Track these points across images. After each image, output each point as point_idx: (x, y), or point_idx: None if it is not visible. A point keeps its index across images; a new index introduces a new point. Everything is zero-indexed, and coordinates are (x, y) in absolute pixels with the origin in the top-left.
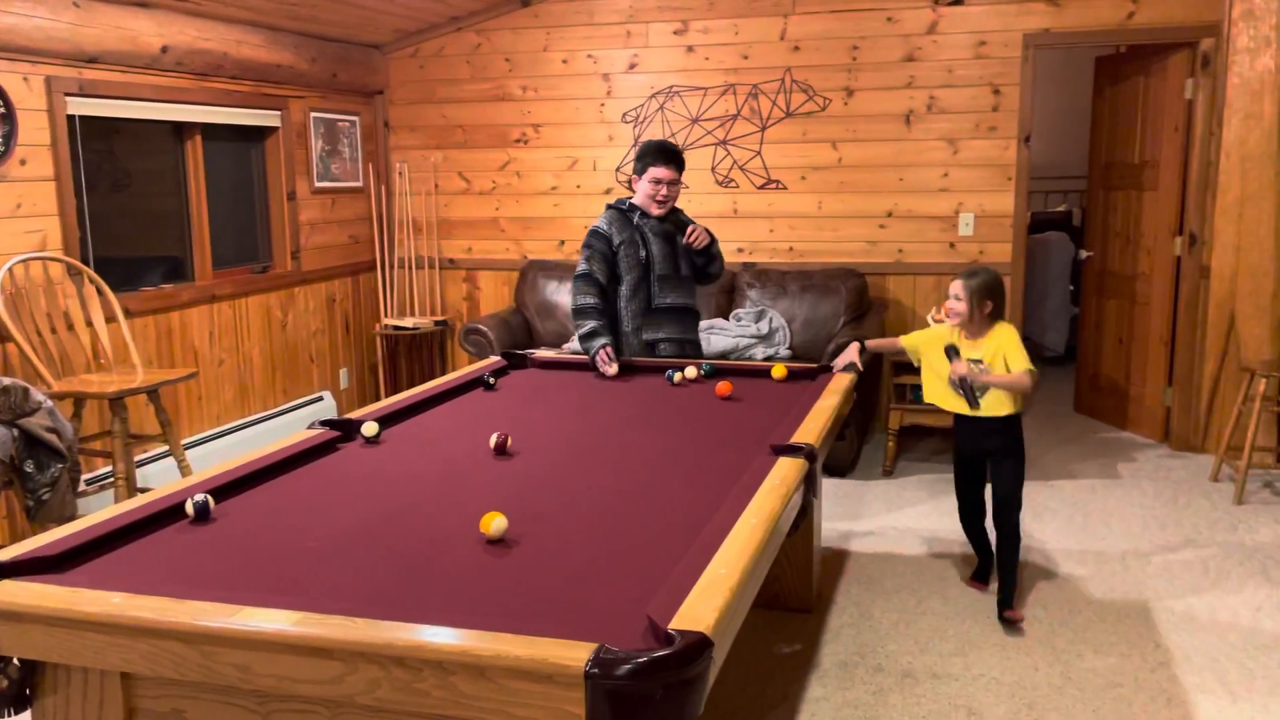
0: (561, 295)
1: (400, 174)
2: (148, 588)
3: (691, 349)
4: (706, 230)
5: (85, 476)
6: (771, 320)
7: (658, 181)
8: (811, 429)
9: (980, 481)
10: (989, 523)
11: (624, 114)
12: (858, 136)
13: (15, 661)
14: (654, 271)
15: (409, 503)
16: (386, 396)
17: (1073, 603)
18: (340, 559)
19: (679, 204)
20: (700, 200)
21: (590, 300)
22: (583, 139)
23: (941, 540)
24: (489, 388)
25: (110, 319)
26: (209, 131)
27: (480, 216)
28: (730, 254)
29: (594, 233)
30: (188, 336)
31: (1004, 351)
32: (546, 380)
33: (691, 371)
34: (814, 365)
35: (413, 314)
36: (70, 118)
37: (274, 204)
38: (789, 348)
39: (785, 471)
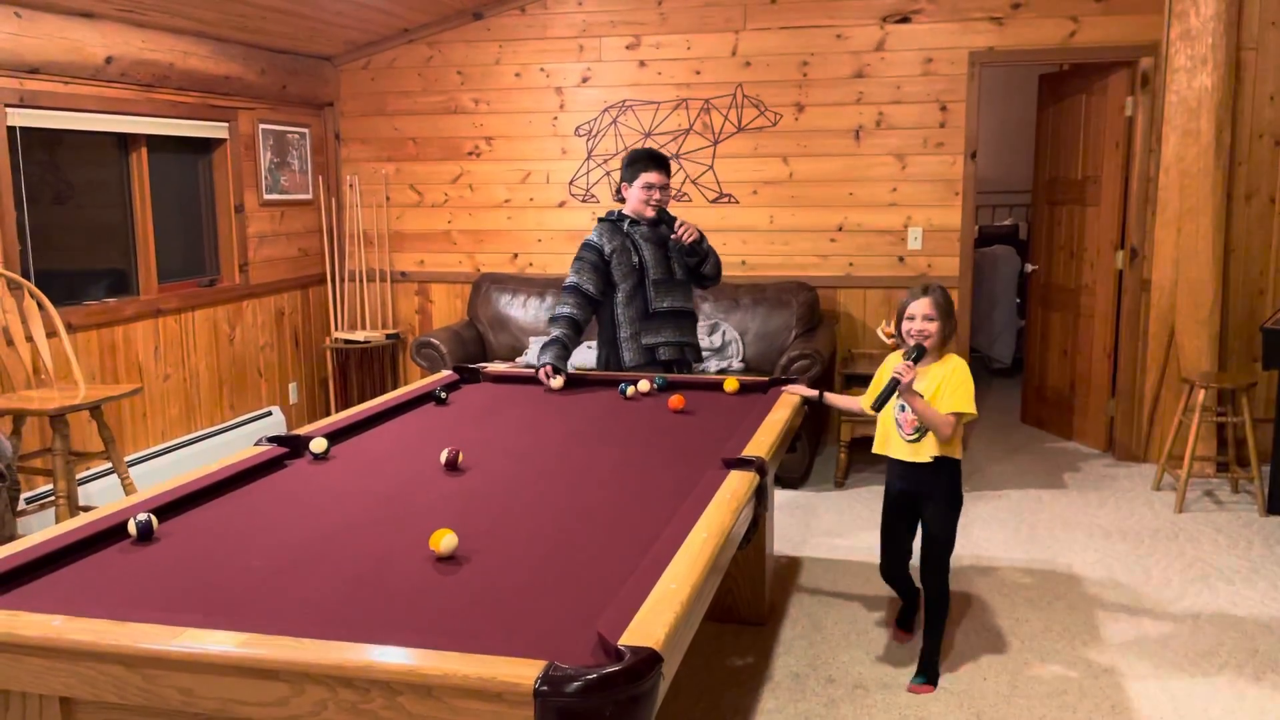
0: (514, 309)
1: (351, 186)
2: (89, 610)
3: (691, 352)
4: (697, 229)
5: (25, 495)
6: (724, 333)
7: (650, 186)
8: (762, 442)
9: (909, 526)
10: (915, 568)
11: (577, 127)
12: (808, 151)
13: None
14: (649, 276)
15: (357, 520)
16: (337, 411)
17: (1018, 612)
18: (286, 578)
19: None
20: None
21: (563, 310)
22: (536, 152)
23: None
24: (440, 402)
25: (51, 334)
26: (155, 143)
27: (433, 229)
28: None
29: (585, 245)
30: (131, 351)
31: (947, 386)
32: (499, 395)
33: (644, 385)
34: (765, 379)
35: (364, 327)
36: (11, 129)
37: (221, 216)
38: (742, 360)
39: (736, 485)
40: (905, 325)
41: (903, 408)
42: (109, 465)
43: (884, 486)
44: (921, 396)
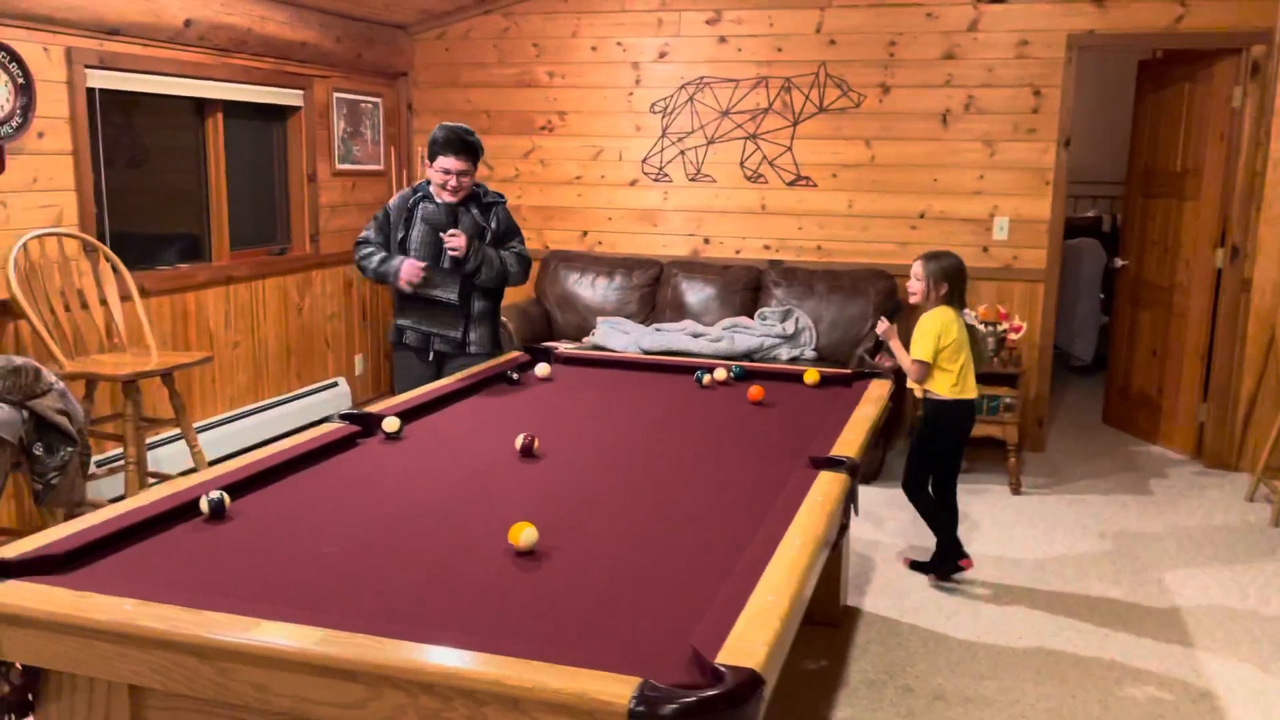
0: (582, 288)
1: (422, 159)
2: (160, 593)
3: (444, 343)
4: (464, 243)
5: (95, 459)
6: (798, 320)
7: (446, 171)
8: (851, 440)
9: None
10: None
11: (652, 104)
12: (892, 135)
13: (18, 666)
14: (410, 254)
15: (432, 506)
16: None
17: (1109, 626)
18: (362, 566)
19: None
20: (728, 195)
21: (369, 247)
22: (609, 128)
23: (971, 552)
24: (512, 383)
25: (125, 298)
26: (230, 109)
27: None
28: (757, 251)
29: (383, 208)
30: (203, 318)
31: (917, 333)
32: (570, 376)
33: (721, 373)
34: (847, 371)
35: None
36: (90, 90)
37: (294, 185)
38: (815, 349)
39: (828, 487)
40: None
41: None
42: (178, 431)
43: (941, 435)
44: (902, 347)
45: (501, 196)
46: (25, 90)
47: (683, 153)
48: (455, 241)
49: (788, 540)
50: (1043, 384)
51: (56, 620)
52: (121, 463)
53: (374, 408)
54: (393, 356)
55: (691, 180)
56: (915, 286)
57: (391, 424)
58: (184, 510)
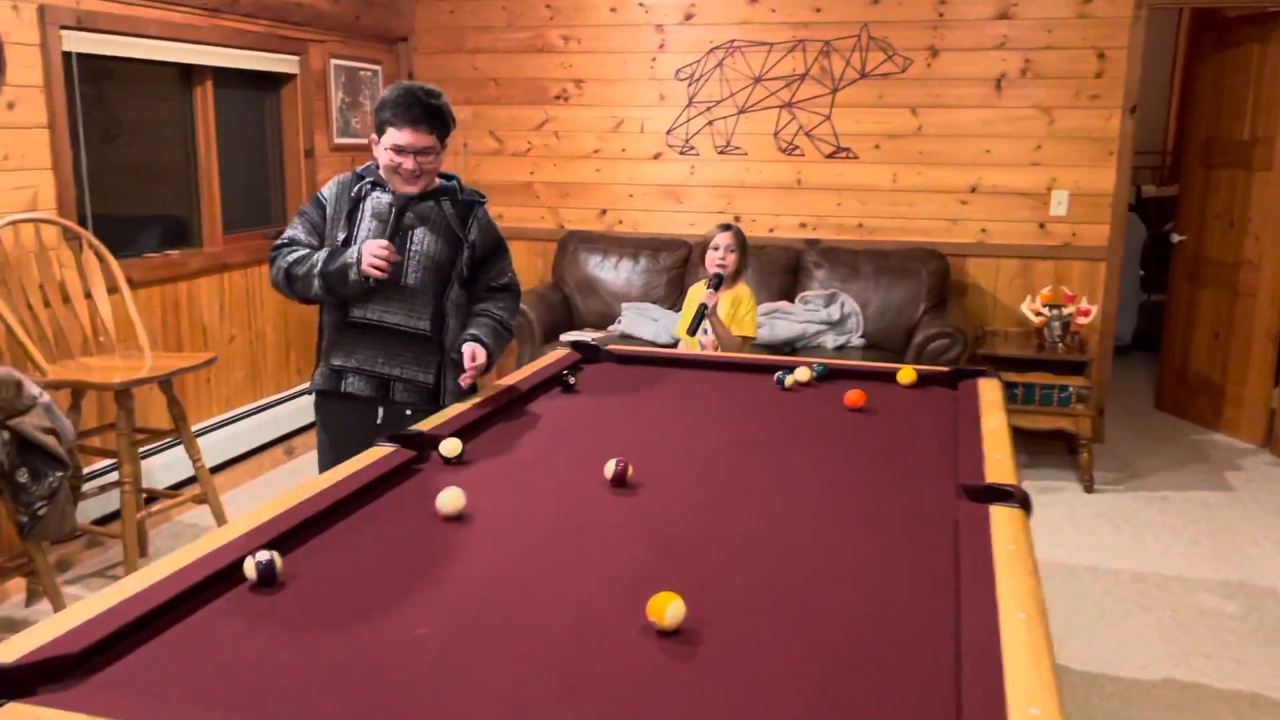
0: (605, 271)
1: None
2: (209, 711)
3: (410, 393)
4: (495, 323)
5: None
6: (843, 305)
7: (399, 150)
8: (1002, 462)
9: None
10: None
11: (678, 70)
12: (941, 102)
13: None
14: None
15: (527, 560)
16: None
17: (1230, 646)
18: (464, 656)
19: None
20: (760, 169)
21: (297, 250)
22: (630, 97)
23: (1060, 563)
24: (569, 389)
25: (111, 290)
26: (220, 77)
27: (513, 180)
28: (792, 229)
29: (315, 196)
30: (195, 310)
31: (740, 310)
32: (628, 379)
33: (804, 373)
34: (945, 369)
35: None
36: (66, 55)
37: (289, 161)
38: (862, 335)
39: (1013, 530)
40: (709, 255)
41: (706, 331)
42: (172, 439)
43: None
44: (721, 321)
45: (482, 196)
46: None
47: (711, 123)
48: (475, 361)
49: (1007, 614)
50: (1103, 371)
51: None
52: (111, 480)
53: (425, 424)
54: (316, 412)
55: (720, 153)
56: (729, 257)
57: (452, 447)
58: (223, 573)
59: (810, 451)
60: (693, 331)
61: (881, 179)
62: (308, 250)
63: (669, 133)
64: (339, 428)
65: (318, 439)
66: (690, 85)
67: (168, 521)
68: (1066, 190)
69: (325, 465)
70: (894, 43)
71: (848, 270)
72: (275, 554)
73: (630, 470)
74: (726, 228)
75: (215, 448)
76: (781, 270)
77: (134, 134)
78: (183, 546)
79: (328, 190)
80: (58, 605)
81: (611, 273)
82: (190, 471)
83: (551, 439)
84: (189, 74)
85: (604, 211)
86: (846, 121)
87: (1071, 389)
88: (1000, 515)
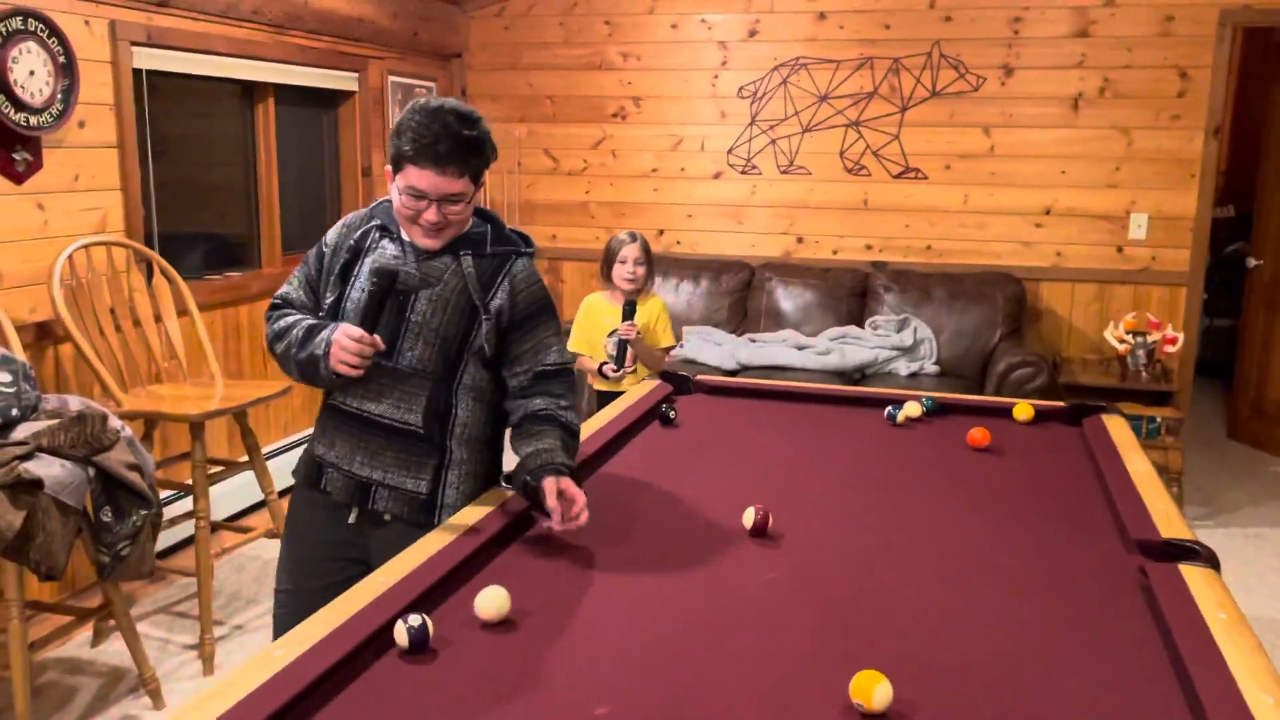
0: (664, 294)
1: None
2: None
3: (393, 503)
4: (576, 478)
5: None
6: (916, 331)
7: (418, 196)
8: (1167, 514)
9: None
10: None
11: (740, 88)
12: (1015, 122)
13: None
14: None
15: (695, 630)
16: None
17: None
18: None
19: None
20: (825, 189)
21: (288, 315)
22: (691, 115)
23: None
24: (667, 422)
25: (182, 313)
26: (280, 94)
27: (568, 200)
28: (857, 251)
29: (318, 245)
30: (256, 335)
31: (658, 324)
32: (724, 412)
33: (915, 408)
34: (1063, 405)
35: None
36: (136, 71)
37: (346, 179)
38: (935, 363)
39: (1218, 594)
40: (617, 269)
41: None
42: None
43: None
44: (643, 341)
45: (530, 243)
46: (68, 70)
47: (774, 142)
48: (577, 508)
49: (1254, 700)
50: (1185, 401)
51: None
52: (184, 514)
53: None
54: (291, 495)
55: (783, 173)
56: (639, 271)
57: (493, 607)
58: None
59: (951, 496)
60: (619, 367)
61: (952, 200)
62: (297, 318)
63: (730, 151)
64: (303, 519)
65: (287, 522)
66: (753, 103)
67: (229, 554)
68: (1146, 213)
69: (282, 576)
70: (966, 61)
71: (919, 294)
72: (426, 617)
73: (770, 520)
74: (634, 236)
75: (275, 475)
76: (849, 294)
77: (193, 151)
78: (324, 611)
79: (332, 234)
80: (135, 650)
81: (672, 295)
82: (246, 502)
83: (663, 479)
84: (251, 91)
85: (661, 232)
86: (916, 141)
87: (1160, 420)
88: (1195, 577)
